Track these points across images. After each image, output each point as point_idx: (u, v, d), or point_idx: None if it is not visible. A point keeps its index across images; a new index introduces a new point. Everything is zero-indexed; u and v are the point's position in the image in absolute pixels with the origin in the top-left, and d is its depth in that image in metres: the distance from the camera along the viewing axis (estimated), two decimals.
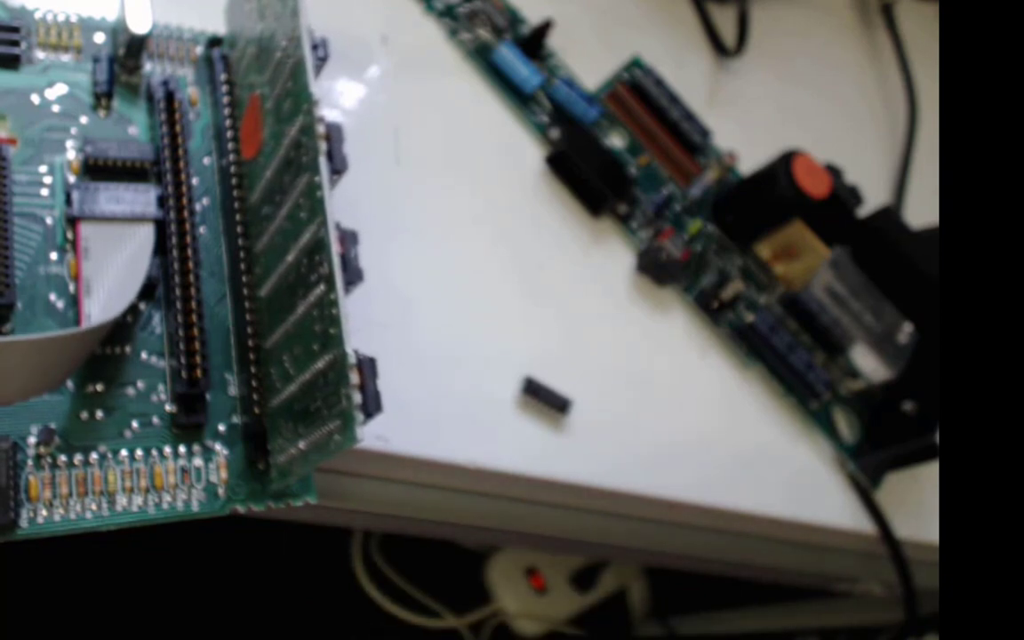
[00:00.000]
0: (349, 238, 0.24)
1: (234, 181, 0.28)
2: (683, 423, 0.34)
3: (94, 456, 0.24)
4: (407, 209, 0.33)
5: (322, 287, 0.22)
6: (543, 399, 0.31)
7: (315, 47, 0.26)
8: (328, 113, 0.32)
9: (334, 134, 0.24)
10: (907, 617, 0.38)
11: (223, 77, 0.29)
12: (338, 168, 0.24)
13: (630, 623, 0.82)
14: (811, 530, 0.37)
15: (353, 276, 0.24)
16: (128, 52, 0.28)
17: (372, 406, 0.21)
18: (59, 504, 0.23)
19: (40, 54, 0.28)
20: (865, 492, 0.37)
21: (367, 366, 0.21)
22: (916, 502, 0.38)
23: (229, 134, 0.28)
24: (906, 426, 0.37)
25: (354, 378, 0.20)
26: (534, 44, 0.37)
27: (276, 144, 0.25)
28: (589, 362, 0.33)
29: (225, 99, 0.28)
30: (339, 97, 0.33)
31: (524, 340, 0.33)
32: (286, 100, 0.24)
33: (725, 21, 0.45)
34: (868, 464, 0.37)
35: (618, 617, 0.81)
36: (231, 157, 0.28)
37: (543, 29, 0.37)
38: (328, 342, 0.21)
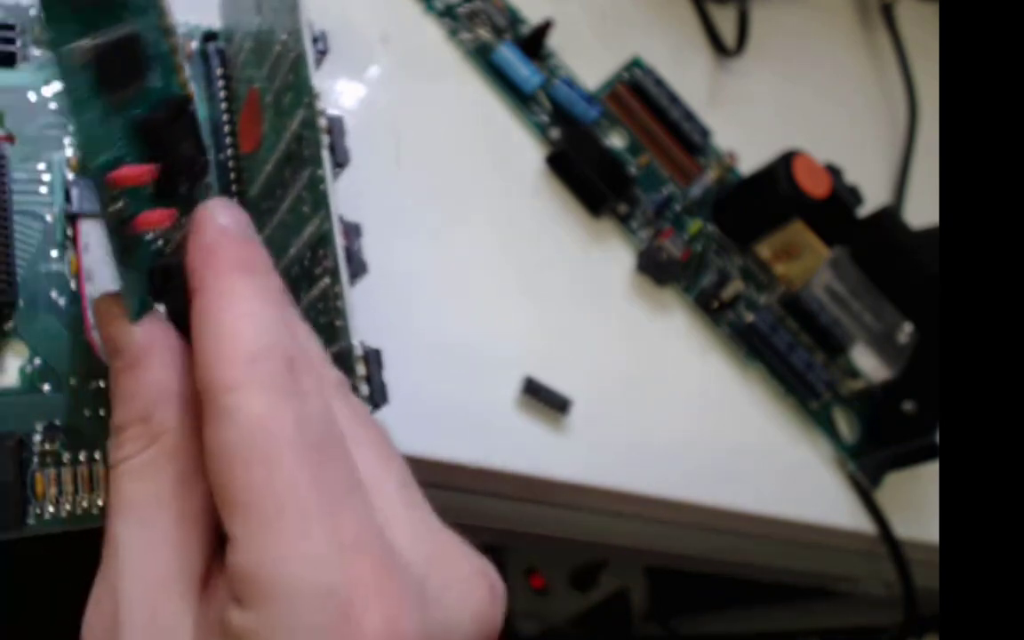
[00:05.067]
0: (353, 231, 0.24)
1: (233, 175, 0.28)
2: (683, 423, 0.34)
3: (99, 453, 0.24)
4: (407, 209, 0.33)
5: (327, 280, 0.22)
6: (543, 399, 0.31)
7: (315, 40, 0.26)
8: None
9: (336, 127, 0.24)
10: (907, 617, 0.37)
11: (219, 71, 0.29)
12: (340, 161, 0.24)
13: (630, 623, 0.82)
14: (811, 530, 0.37)
15: (357, 269, 0.24)
16: None
17: (379, 397, 0.21)
18: (65, 500, 0.23)
19: (36, 51, 0.28)
20: (865, 492, 0.37)
21: (373, 357, 0.21)
22: (916, 502, 0.38)
23: (227, 129, 0.28)
24: (906, 426, 0.36)
25: (360, 370, 0.21)
26: (534, 44, 0.37)
27: (276, 138, 0.25)
28: (589, 362, 0.33)
29: (222, 94, 0.28)
30: (339, 97, 0.33)
31: (524, 340, 0.32)
32: (286, 94, 0.24)
33: (725, 21, 0.44)
34: (868, 464, 0.37)
35: (618, 617, 0.81)
36: (229, 151, 0.28)
37: (543, 29, 0.37)
38: (334, 335, 0.21)
